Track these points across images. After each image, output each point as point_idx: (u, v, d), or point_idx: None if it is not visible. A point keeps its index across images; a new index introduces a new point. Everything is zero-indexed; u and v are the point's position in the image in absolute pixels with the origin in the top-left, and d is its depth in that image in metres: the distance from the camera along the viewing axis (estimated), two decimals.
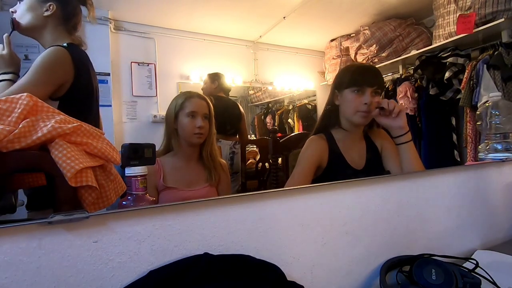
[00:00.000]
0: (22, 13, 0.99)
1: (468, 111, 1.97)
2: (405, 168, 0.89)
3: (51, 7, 0.97)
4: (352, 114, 0.94)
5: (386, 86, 2.62)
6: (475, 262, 0.63)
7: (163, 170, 1.07)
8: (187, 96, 1.12)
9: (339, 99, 0.99)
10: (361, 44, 2.76)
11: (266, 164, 1.52)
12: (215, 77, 2.35)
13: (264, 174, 1.55)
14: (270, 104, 3.39)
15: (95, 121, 1.09)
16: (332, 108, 1.01)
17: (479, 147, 1.02)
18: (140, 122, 2.56)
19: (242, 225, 0.52)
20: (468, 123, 1.98)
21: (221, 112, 2.10)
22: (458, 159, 2.16)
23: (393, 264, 0.63)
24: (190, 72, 2.78)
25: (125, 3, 2.28)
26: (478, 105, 1.79)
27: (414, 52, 2.42)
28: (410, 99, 2.31)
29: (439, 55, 2.22)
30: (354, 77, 0.94)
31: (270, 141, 1.31)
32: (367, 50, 2.74)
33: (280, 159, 1.32)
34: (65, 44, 0.96)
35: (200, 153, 1.13)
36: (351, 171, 0.96)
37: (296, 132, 3.28)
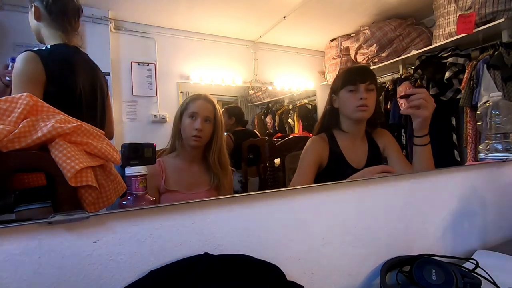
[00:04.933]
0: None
1: (468, 111, 1.97)
2: (416, 169, 0.89)
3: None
4: (352, 111, 0.97)
5: (386, 86, 2.62)
6: (475, 262, 0.62)
7: (166, 171, 1.04)
8: (193, 97, 1.09)
9: (337, 102, 1.03)
10: (361, 44, 2.76)
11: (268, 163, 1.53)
12: (231, 112, 2.40)
13: (266, 173, 1.55)
14: (270, 104, 3.38)
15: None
16: (332, 110, 1.05)
17: (479, 147, 1.01)
18: (140, 122, 2.56)
19: (242, 225, 0.52)
20: (468, 123, 1.98)
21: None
22: (458, 159, 2.16)
23: (393, 264, 0.63)
24: (190, 72, 2.78)
25: (125, 3, 2.28)
26: (478, 105, 1.79)
27: (414, 52, 2.42)
28: None
29: (439, 55, 2.22)
30: (347, 77, 0.99)
31: (266, 145, 1.33)
32: (367, 50, 2.74)
33: (279, 160, 1.33)
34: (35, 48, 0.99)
35: (204, 156, 1.09)
36: (351, 170, 0.97)
37: (296, 131, 3.28)
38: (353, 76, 0.98)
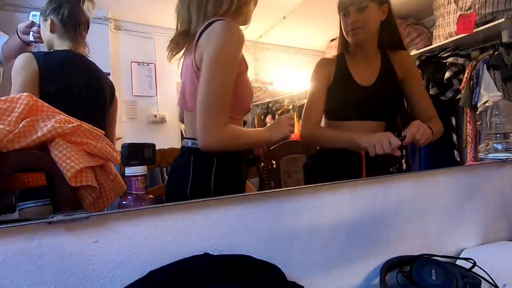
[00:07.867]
0: None
1: (468, 111, 1.97)
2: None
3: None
4: (347, 35, 1.00)
5: None
6: (473, 261, 0.62)
7: None
8: None
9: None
10: None
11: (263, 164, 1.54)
12: None
13: (266, 172, 1.56)
14: (270, 104, 3.38)
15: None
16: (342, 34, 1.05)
17: (479, 147, 1.01)
18: (140, 122, 2.56)
19: (242, 225, 0.52)
20: (468, 123, 1.98)
21: None
22: (458, 159, 2.16)
23: (393, 264, 0.63)
24: None
25: (125, 3, 2.28)
26: (478, 105, 1.79)
27: (414, 52, 2.41)
28: None
29: (439, 55, 2.22)
30: (338, 4, 1.00)
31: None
32: None
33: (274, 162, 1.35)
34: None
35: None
36: (357, 87, 1.00)
37: (296, 131, 3.28)
38: (342, 1, 0.99)
